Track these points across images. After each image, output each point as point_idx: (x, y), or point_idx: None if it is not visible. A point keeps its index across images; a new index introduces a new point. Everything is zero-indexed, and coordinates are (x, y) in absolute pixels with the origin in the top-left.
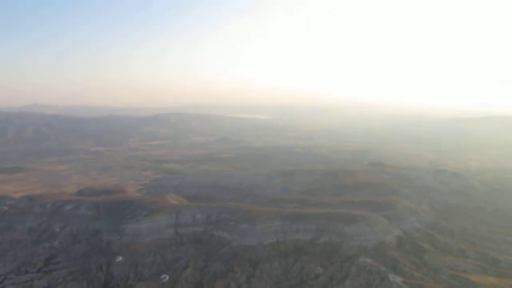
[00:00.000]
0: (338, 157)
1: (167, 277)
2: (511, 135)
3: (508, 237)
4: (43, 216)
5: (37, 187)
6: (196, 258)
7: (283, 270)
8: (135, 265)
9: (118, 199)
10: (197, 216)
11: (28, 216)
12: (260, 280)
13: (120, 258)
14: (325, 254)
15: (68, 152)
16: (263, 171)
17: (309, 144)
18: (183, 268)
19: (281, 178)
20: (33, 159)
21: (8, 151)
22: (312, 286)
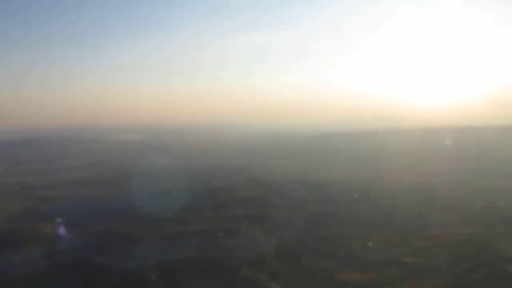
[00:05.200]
0: (216, 174)
1: None
2: (374, 147)
3: (368, 237)
4: None
5: None
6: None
7: None
8: None
9: None
10: (75, 242)
11: None
12: None
13: None
14: (209, 269)
15: None
16: (143, 191)
17: (187, 163)
18: None
19: (162, 197)
20: None
21: None
22: None
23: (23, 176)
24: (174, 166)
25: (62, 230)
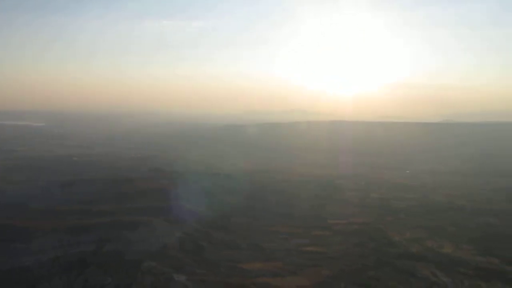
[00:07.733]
0: (119, 165)
1: None
2: (282, 140)
3: (271, 228)
4: None
5: None
6: None
7: (65, 286)
8: None
9: None
10: None
11: None
12: None
13: None
14: (110, 263)
15: None
16: (39, 182)
17: (90, 152)
18: None
19: (59, 189)
20: None
21: None
22: None
23: None
24: (75, 155)
25: None
